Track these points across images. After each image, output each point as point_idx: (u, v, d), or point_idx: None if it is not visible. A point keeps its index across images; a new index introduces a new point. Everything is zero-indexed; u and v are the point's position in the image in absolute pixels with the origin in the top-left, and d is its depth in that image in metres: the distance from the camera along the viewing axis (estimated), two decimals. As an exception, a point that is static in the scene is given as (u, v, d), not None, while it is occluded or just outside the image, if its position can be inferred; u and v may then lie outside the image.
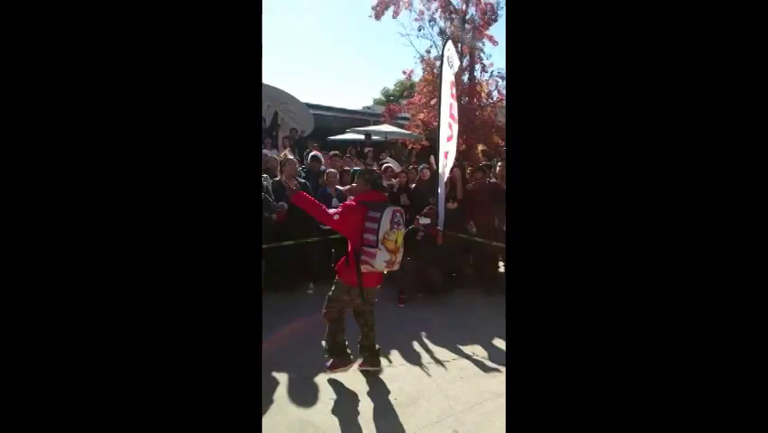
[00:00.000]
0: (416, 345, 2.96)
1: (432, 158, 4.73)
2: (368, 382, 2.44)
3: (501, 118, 7.47)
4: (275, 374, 2.46)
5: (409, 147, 8.46)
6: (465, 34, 7.47)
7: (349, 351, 2.49)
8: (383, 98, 20.79)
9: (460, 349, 2.90)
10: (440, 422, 2.09)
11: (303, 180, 4.06)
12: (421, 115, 7.99)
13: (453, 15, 7.70)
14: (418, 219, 3.85)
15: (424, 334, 3.14)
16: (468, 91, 7.77)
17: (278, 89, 7.13)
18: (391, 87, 22.82)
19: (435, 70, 7.42)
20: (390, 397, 2.31)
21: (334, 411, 2.15)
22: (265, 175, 3.97)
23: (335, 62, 47.32)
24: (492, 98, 7.88)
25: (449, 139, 4.33)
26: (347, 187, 4.12)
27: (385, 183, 4.51)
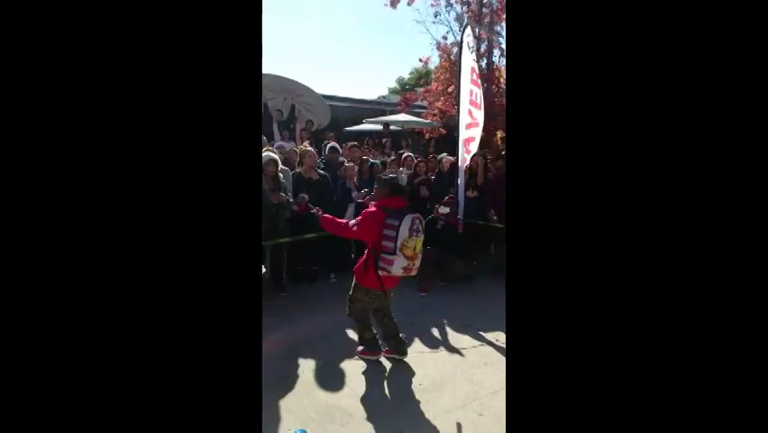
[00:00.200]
0: (439, 333, 2.99)
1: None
2: (393, 369, 2.49)
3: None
4: (301, 360, 2.54)
5: (427, 136, 8.40)
6: (483, 19, 7.30)
7: (380, 342, 2.58)
8: (398, 87, 20.61)
9: (483, 336, 2.92)
10: (465, 406, 2.12)
11: (323, 172, 4.09)
12: (438, 103, 7.89)
13: (471, 0, 7.53)
14: (437, 208, 3.85)
15: (446, 321, 3.16)
16: (486, 77, 7.62)
17: (294, 81, 7.17)
18: (406, 75, 22.58)
19: (452, 57, 7.31)
20: (415, 382, 2.35)
21: (361, 396, 2.20)
22: (285, 168, 4.03)
23: (349, 52, 47.09)
24: (511, 84, 7.70)
25: (468, 126, 4.28)
26: (365, 195, 4.09)
27: (404, 173, 4.52)
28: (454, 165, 4.33)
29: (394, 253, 2.26)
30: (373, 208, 2.41)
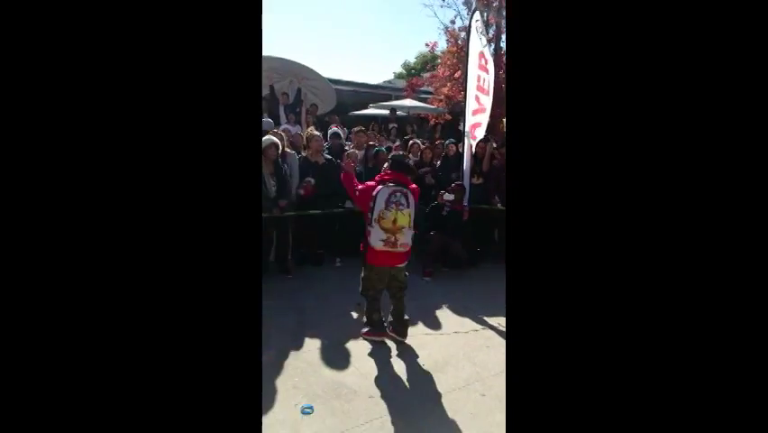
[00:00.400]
0: (443, 317, 3.05)
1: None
2: (397, 350, 2.55)
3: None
4: (308, 340, 2.60)
5: (432, 122, 8.35)
6: (492, 3, 7.17)
7: (385, 324, 2.63)
8: (404, 72, 20.34)
9: (485, 320, 2.97)
10: (467, 387, 2.18)
11: (329, 157, 4.10)
12: (444, 89, 7.83)
13: (479, -18, 7.39)
14: (442, 195, 3.87)
15: (450, 306, 3.21)
16: (493, 63, 7.53)
17: (300, 65, 7.10)
18: (412, 60, 22.26)
19: (460, 42, 7.21)
20: (419, 363, 2.41)
21: (366, 374, 2.27)
22: (292, 152, 4.04)
23: (355, 35, 46.35)
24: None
25: (475, 112, 4.26)
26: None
27: (411, 160, 4.52)
28: (460, 151, 4.33)
29: (371, 225, 2.33)
30: (373, 181, 2.46)
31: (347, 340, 2.60)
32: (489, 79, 4.38)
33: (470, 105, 4.21)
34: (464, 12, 7.63)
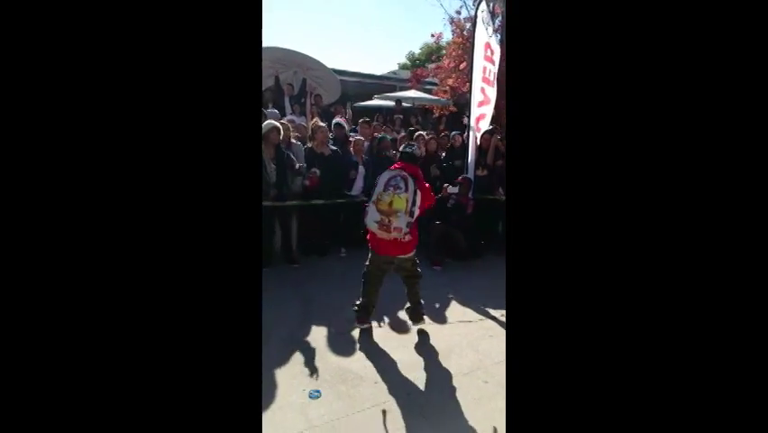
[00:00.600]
0: (446, 306, 3.10)
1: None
2: (402, 337, 2.60)
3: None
4: (314, 328, 2.66)
5: (437, 114, 8.33)
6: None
7: (370, 310, 2.65)
8: (408, 63, 20.18)
9: (488, 311, 3.01)
10: (470, 373, 2.24)
11: (334, 148, 4.12)
12: (449, 81, 7.79)
13: (486, -28, 7.30)
14: (446, 188, 3.89)
15: (453, 296, 3.26)
16: (499, 54, 7.47)
17: (304, 55, 7.08)
18: (417, 50, 22.06)
19: (465, 32, 7.16)
20: (423, 350, 2.46)
21: (371, 361, 2.32)
22: (298, 142, 4.07)
23: (359, 26, 45.88)
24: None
25: (480, 104, 4.26)
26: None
27: (417, 151, 4.53)
28: (465, 143, 4.34)
29: (368, 205, 2.42)
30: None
31: (353, 328, 2.66)
32: (495, 71, 4.36)
33: (476, 96, 4.20)
34: (470, 2, 7.55)
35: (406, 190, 2.35)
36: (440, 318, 2.90)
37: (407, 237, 2.41)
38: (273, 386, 2.05)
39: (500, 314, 2.95)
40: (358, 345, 2.48)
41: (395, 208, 2.33)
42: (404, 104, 8.42)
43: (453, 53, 7.80)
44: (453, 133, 4.69)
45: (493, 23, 6.75)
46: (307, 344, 2.48)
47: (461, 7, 8.00)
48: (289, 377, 2.14)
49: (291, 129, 4.04)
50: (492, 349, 2.48)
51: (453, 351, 2.46)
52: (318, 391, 2.02)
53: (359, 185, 4.14)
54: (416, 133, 4.97)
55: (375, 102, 9.21)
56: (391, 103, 8.31)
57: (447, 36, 8.49)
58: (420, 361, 2.36)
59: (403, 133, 5.50)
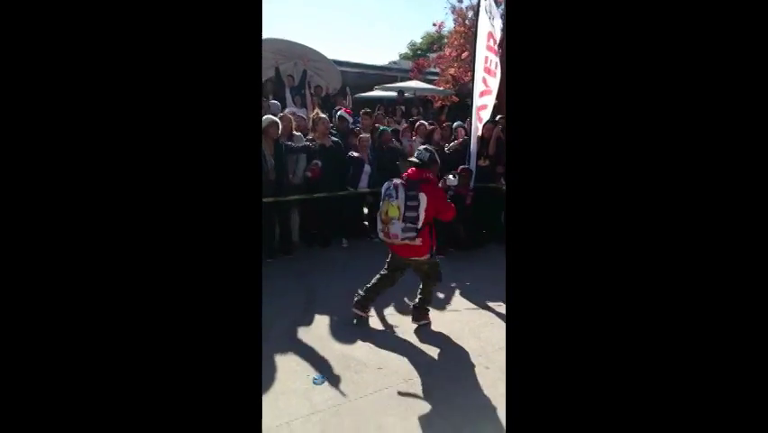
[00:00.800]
0: (448, 296, 3.13)
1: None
2: (404, 325, 2.64)
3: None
4: (317, 316, 2.70)
5: (439, 104, 8.29)
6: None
7: (369, 303, 2.67)
8: (410, 53, 20.02)
9: (488, 300, 3.04)
10: (472, 360, 2.27)
11: (336, 139, 4.13)
12: (451, 70, 7.76)
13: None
14: (446, 180, 3.90)
15: (455, 285, 3.29)
16: (501, 43, 7.41)
17: (305, 46, 7.04)
18: (418, 40, 21.86)
19: (468, 22, 7.09)
20: (425, 337, 2.50)
21: (374, 348, 2.36)
22: (299, 133, 4.07)
23: (359, 15, 45.39)
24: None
25: (482, 94, 4.24)
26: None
27: (417, 141, 4.52)
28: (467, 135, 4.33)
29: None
30: None
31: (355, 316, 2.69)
32: (497, 60, 4.34)
33: (478, 86, 4.18)
34: (472, -10, 7.47)
35: (397, 198, 2.37)
36: (443, 306, 2.93)
37: (418, 241, 2.40)
38: (277, 373, 2.09)
39: (502, 302, 2.98)
40: (361, 333, 2.52)
41: (390, 216, 2.39)
42: (407, 95, 8.38)
43: (455, 42, 7.76)
44: (456, 124, 4.66)
45: (497, 11, 6.70)
46: (311, 332, 2.52)
47: (463, -5, 7.88)
48: (294, 364, 2.18)
49: (293, 122, 4.04)
50: (493, 336, 2.52)
51: (456, 338, 2.50)
52: (322, 377, 2.06)
53: (364, 183, 4.15)
54: (418, 123, 4.95)
55: (376, 93, 9.16)
56: (393, 94, 8.27)
57: (449, 25, 8.44)
58: (423, 347, 2.39)
59: (405, 124, 5.47)
